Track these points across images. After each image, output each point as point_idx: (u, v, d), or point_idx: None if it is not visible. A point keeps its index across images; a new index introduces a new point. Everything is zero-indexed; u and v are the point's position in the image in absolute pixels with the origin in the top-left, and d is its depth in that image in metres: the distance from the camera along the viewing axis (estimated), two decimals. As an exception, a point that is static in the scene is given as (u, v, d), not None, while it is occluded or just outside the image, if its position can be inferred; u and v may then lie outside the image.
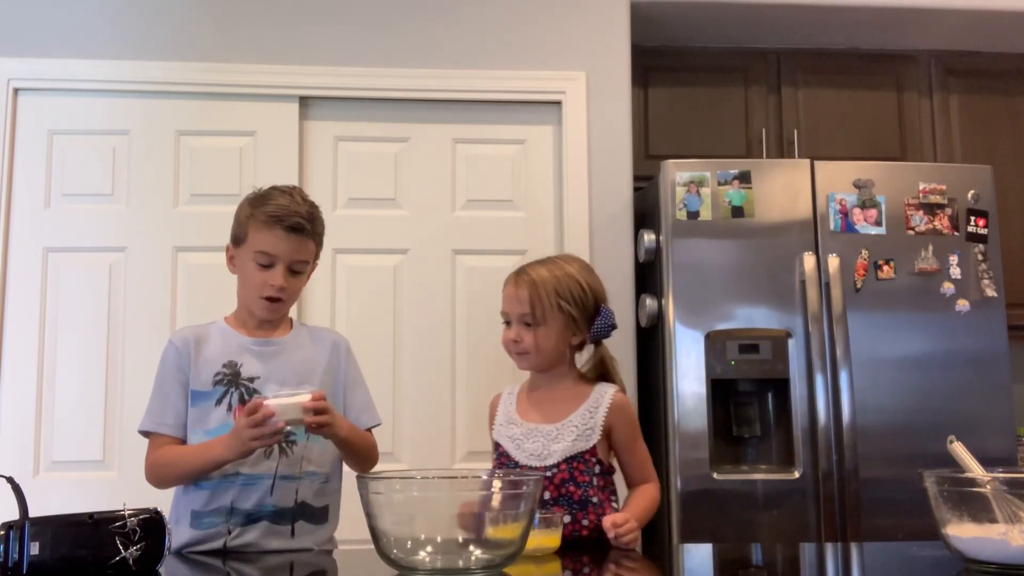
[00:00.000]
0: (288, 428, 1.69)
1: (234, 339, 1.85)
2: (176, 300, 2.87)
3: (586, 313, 1.87)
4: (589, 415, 1.83)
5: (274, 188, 1.88)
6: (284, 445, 1.79)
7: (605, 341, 1.93)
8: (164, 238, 2.89)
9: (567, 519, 1.76)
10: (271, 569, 1.58)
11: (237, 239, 1.86)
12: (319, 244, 1.90)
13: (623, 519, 1.67)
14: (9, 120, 2.87)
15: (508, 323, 1.88)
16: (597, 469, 1.83)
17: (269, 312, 1.84)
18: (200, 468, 1.75)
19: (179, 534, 1.76)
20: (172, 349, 1.84)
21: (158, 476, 1.81)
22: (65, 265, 2.87)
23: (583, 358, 1.95)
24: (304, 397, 1.67)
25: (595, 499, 1.80)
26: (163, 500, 1.70)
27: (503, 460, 1.85)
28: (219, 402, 1.80)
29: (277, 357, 1.85)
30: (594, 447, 1.82)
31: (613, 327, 1.91)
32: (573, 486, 1.79)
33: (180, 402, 1.81)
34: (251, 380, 1.81)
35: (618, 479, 1.89)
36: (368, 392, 1.96)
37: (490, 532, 1.35)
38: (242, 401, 1.79)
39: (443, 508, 1.36)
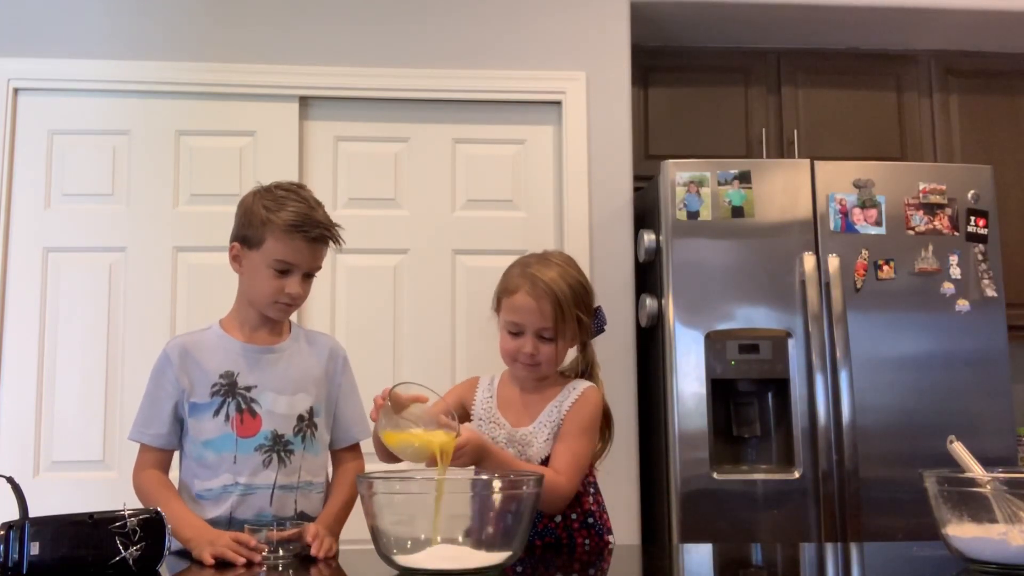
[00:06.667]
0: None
1: (231, 347, 1.82)
2: (176, 300, 2.87)
3: (591, 317, 1.85)
4: (556, 411, 1.77)
5: (282, 188, 1.81)
6: (283, 454, 1.78)
7: (600, 341, 1.92)
8: (164, 238, 2.89)
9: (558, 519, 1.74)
10: (271, 569, 1.58)
11: (249, 241, 1.78)
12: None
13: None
14: (9, 120, 2.87)
15: (517, 333, 1.77)
16: None
17: (283, 315, 1.84)
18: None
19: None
20: (165, 360, 1.81)
21: (139, 496, 1.78)
22: (65, 265, 2.87)
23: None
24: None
25: (578, 490, 1.76)
26: (163, 500, 1.69)
27: None
28: (217, 413, 1.78)
29: (274, 365, 1.82)
30: None
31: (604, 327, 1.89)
32: None
33: (168, 415, 1.79)
34: (248, 389, 1.79)
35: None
36: (361, 404, 1.93)
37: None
38: (239, 411, 1.77)
39: (443, 508, 1.36)
